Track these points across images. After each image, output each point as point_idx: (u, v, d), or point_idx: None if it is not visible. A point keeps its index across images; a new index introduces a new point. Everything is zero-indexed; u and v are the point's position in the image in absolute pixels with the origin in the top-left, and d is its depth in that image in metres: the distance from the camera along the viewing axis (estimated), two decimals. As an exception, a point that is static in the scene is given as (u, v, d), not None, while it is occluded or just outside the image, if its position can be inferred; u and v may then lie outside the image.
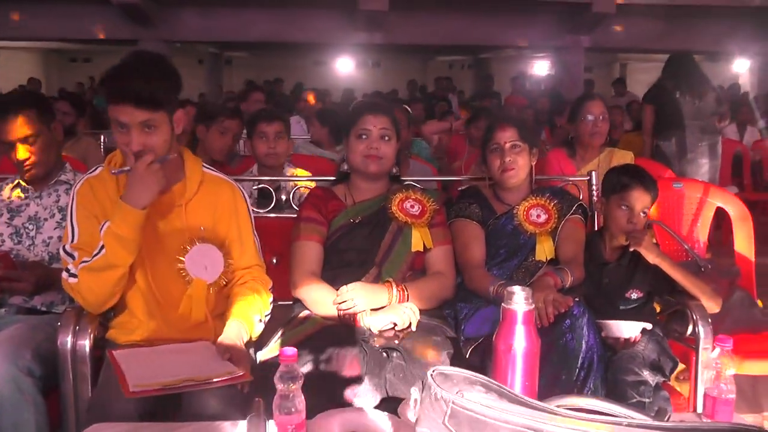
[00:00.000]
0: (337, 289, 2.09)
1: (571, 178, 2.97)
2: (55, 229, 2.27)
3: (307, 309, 2.17)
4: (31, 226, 2.27)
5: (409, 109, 4.72)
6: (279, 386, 1.32)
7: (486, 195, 2.55)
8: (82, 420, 1.84)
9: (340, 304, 2.05)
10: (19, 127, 2.21)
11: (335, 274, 2.21)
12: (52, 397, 1.93)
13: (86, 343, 1.86)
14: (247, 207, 2.13)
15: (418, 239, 2.26)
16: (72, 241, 1.89)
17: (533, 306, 1.48)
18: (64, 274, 1.86)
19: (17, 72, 17.37)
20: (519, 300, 1.44)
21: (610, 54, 16.57)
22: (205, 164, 2.12)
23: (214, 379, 1.63)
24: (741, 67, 15.17)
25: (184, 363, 1.75)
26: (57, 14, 9.74)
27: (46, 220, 2.29)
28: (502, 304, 1.48)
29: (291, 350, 1.35)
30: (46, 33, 10.45)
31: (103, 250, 1.82)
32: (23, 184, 2.34)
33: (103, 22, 9.74)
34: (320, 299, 2.11)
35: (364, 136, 2.27)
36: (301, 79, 12.95)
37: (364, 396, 1.81)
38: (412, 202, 2.30)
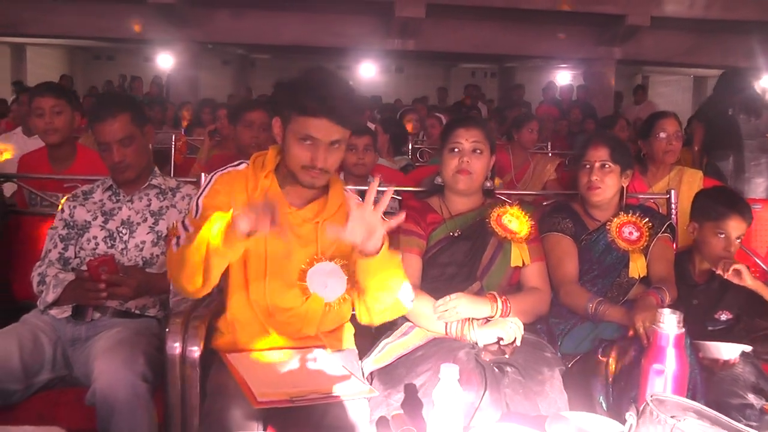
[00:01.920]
0: None
1: (651, 196, 2.95)
2: (147, 233, 2.26)
3: (410, 321, 2.15)
4: (124, 230, 2.26)
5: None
6: None
7: (577, 210, 2.54)
8: (188, 424, 1.85)
9: (442, 311, 2.04)
10: (116, 129, 2.22)
11: (436, 287, 2.20)
12: (155, 400, 1.92)
13: (196, 350, 1.85)
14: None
15: (517, 254, 2.26)
16: (194, 216, 1.84)
17: (683, 329, 1.45)
18: (173, 243, 1.80)
19: (43, 68, 17.53)
20: (671, 323, 1.43)
21: (633, 66, 16.51)
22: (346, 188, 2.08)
23: (341, 394, 1.61)
24: None
25: (306, 373, 1.74)
26: (91, 12, 9.77)
27: (138, 224, 2.28)
28: (653, 326, 1.47)
29: None
30: (81, 30, 10.46)
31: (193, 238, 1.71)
32: (115, 187, 2.33)
33: (137, 21, 9.75)
34: (425, 312, 2.10)
35: (456, 150, 2.26)
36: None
37: (486, 410, 1.79)
38: (510, 217, 2.29)
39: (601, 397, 2.05)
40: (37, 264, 2.28)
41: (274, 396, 1.57)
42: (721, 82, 4.85)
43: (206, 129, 4.30)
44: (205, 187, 1.89)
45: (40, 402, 1.95)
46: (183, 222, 1.82)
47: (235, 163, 1.98)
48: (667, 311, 1.44)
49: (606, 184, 2.42)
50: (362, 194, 1.86)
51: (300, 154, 1.82)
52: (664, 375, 1.42)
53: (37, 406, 1.93)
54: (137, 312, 2.18)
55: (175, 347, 1.85)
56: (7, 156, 4.73)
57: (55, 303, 2.14)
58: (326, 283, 1.91)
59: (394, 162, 4.32)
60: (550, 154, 5.55)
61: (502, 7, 9.16)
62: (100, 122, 2.22)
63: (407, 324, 2.14)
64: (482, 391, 1.83)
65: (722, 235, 2.42)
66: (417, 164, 4.85)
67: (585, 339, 2.28)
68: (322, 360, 1.84)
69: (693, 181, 3.29)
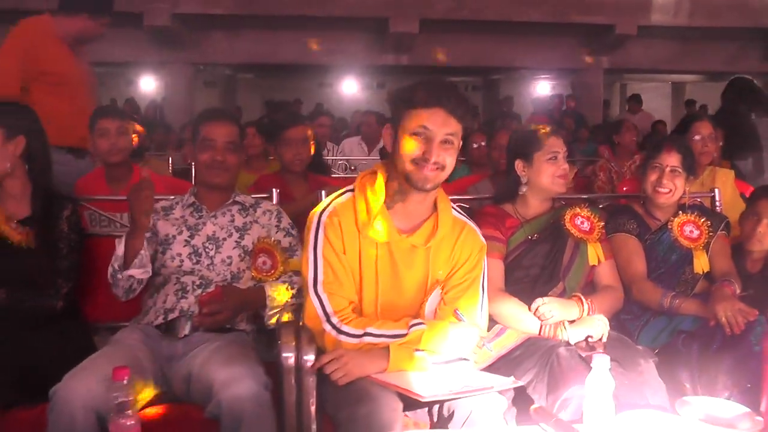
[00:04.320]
0: (527, 304, 2.20)
1: (698, 195, 3.05)
2: (234, 248, 2.29)
3: (498, 323, 2.22)
4: (210, 246, 2.28)
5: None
6: None
7: (639, 212, 2.65)
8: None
9: (540, 315, 2.15)
10: (226, 132, 2.32)
11: (521, 288, 2.30)
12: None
13: (311, 359, 1.88)
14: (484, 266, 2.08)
15: (593, 253, 2.37)
16: (316, 277, 1.91)
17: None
18: (327, 326, 1.87)
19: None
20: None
21: (613, 74, 16.84)
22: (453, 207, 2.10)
23: (492, 386, 1.74)
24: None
25: (450, 373, 1.84)
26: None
27: (224, 239, 2.30)
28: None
29: None
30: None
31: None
32: (198, 204, 2.36)
33: (131, 45, 9.74)
34: (514, 314, 2.20)
35: (554, 158, 2.36)
36: (306, 100, 13.08)
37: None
38: (582, 218, 2.39)
39: (688, 386, 2.15)
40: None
41: (436, 391, 1.68)
42: (730, 89, 4.99)
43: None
44: (316, 237, 1.93)
45: (148, 419, 1.95)
46: (316, 291, 1.90)
47: (337, 193, 2.02)
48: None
49: (675, 187, 2.55)
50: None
51: (412, 148, 1.84)
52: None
53: (147, 423, 1.94)
54: (228, 326, 2.20)
55: (290, 357, 1.89)
56: None
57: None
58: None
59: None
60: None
61: (494, 20, 9.33)
62: (212, 120, 2.33)
63: (498, 325, 2.22)
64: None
65: None
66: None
67: (662, 332, 2.39)
68: (452, 364, 1.93)
69: (726, 180, 3.45)
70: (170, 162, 5.11)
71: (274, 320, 2.20)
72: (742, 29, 10.27)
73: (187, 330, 2.16)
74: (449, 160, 1.88)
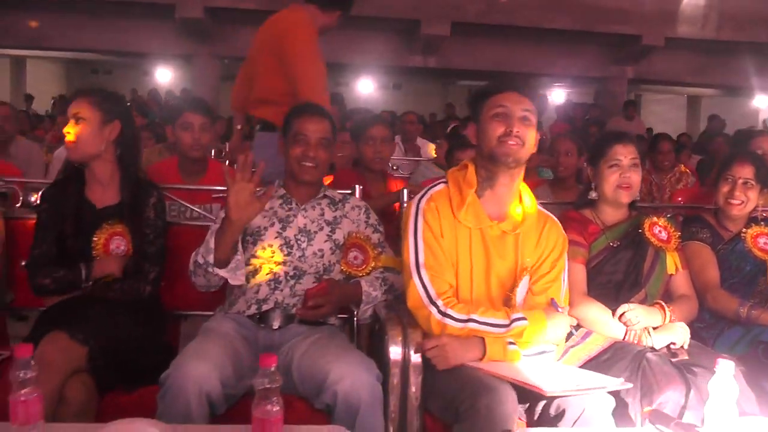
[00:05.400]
0: (610, 309, 2.24)
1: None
2: (325, 241, 2.32)
3: (582, 327, 2.26)
4: (302, 238, 2.30)
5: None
6: None
7: (710, 222, 2.68)
8: (408, 425, 1.92)
9: (626, 321, 2.20)
10: (321, 128, 2.34)
11: (604, 294, 2.33)
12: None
13: (417, 358, 1.92)
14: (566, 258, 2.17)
15: (671, 262, 2.41)
16: (417, 260, 1.98)
17: None
18: (433, 309, 1.94)
19: (42, 81, 17.41)
20: None
21: (629, 85, 16.87)
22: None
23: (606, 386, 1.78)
24: (762, 103, 15.56)
25: (562, 371, 1.90)
26: (115, 28, 9.80)
27: (315, 232, 2.32)
28: None
29: None
30: (102, 45, 10.48)
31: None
32: (288, 196, 2.39)
33: (159, 36, 9.78)
34: (600, 318, 2.24)
35: (616, 166, 2.38)
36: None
37: (695, 409, 1.89)
38: (659, 227, 2.43)
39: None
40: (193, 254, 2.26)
41: (559, 386, 1.72)
42: None
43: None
44: (416, 219, 2.03)
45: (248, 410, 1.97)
46: (419, 272, 1.98)
47: (432, 184, 2.13)
48: None
49: (747, 199, 2.58)
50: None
51: (495, 127, 1.99)
52: None
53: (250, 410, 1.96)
54: (320, 321, 2.23)
55: (397, 352, 1.92)
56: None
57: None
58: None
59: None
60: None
61: (524, 26, 9.37)
62: (306, 115, 2.35)
63: (582, 329, 2.25)
64: (685, 390, 1.94)
65: None
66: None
67: (739, 342, 2.43)
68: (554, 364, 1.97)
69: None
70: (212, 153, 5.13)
71: (367, 315, 2.24)
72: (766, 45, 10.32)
73: (280, 321, 2.19)
74: (529, 136, 2.01)
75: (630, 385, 1.91)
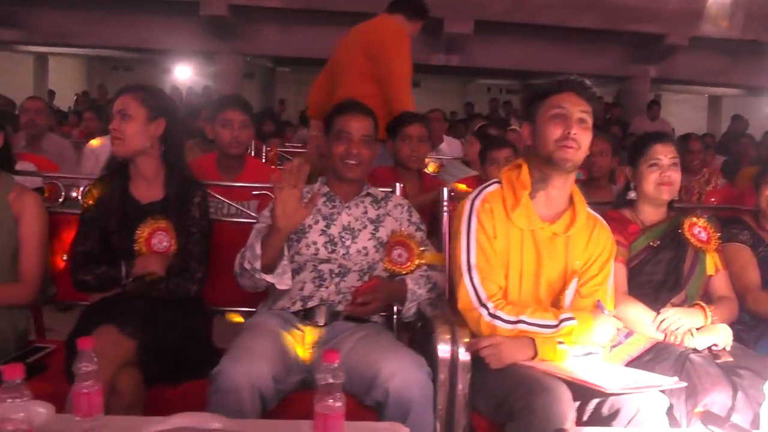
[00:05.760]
0: (654, 310, 2.23)
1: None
2: (369, 239, 2.32)
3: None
4: (347, 236, 2.31)
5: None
6: None
7: (750, 224, 2.66)
8: (454, 424, 1.93)
9: (667, 324, 2.18)
10: (364, 126, 2.34)
11: (644, 294, 2.32)
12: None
13: (467, 357, 1.93)
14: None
15: (711, 263, 2.41)
16: (469, 261, 2.00)
17: None
18: (483, 311, 1.95)
19: (64, 78, 17.58)
20: None
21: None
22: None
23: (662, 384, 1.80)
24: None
25: (606, 371, 1.88)
26: (139, 25, 9.88)
27: (359, 230, 2.33)
28: None
29: None
30: (126, 42, 10.57)
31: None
32: (332, 193, 2.39)
33: (182, 34, 9.84)
34: (641, 319, 2.24)
35: (656, 166, 2.38)
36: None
37: (742, 412, 1.88)
38: (699, 228, 2.42)
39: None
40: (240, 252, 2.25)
41: (619, 384, 1.73)
42: None
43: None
44: (469, 220, 2.04)
45: (301, 403, 1.98)
46: (471, 275, 1.99)
47: (486, 184, 2.14)
48: None
49: None
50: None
51: (553, 130, 1.98)
52: None
53: (299, 406, 1.97)
54: (365, 318, 2.24)
55: (446, 350, 1.93)
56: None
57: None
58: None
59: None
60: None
61: (548, 24, 9.33)
62: (349, 112, 2.35)
63: (624, 329, 2.24)
64: (732, 392, 1.93)
65: None
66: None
67: (781, 345, 2.39)
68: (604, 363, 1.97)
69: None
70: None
71: (411, 313, 2.24)
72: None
73: (325, 318, 2.19)
74: (585, 140, 2.00)
75: (685, 384, 1.90)
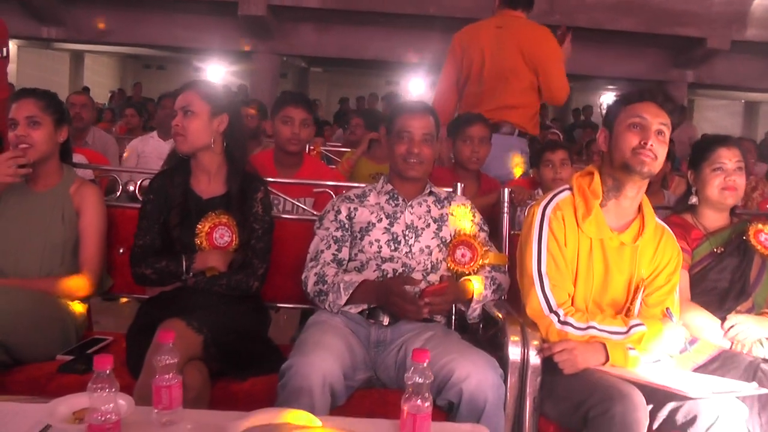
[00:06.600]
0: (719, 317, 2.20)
1: None
2: (432, 238, 2.30)
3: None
4: (410, 234, 2.29)
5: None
6: None
7: None
8: (520, 427, 1.90)
9: (734, 334, 2.16)
10: (425, 124, 2.32)
11: (709, 301, 2.28)
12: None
13: (537, 356, 1.90)
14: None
15: None
16: (539, 268, 2.00)
17: None
18: (553, 317, 1.96)
19: (98, 75, 17.85)
20: None
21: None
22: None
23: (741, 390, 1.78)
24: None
25: (683, 376, 1.87)
26: (177, 24, 9.98)
27: (423, 229, 2.31)
28: None
29: None
30: (163, 41, 10.68)
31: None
32: (395, 192, 2.37)
33: (221, 33, 9.92)
34: (706, 326, 2.21)
35: (720, 170, 2.33)
36: (371, 97, 13.19)
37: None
38: (765, 235, 2.37)
39: None
40: (310, 264, 2.28)
41: (701, 390, 1.71)
42: None
43: (366, 137, 4.32)
44: (541, 227, 2.04)
45: (367, 400, 1.98)
46: (543, 286, 2.00)
47: (557, 191, 2.13)
48: None
49: None
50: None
51: (630, 138, 1.97)
52: None
53: (366, 403, 1.96)
54: (428, 318, 2.21)
55: (516, 353, 1.90)
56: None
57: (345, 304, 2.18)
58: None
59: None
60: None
61: (587, 27, 9.22)
62: (410, 112, 2.33)
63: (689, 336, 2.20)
64: None
65: None
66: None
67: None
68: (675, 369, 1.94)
69: None
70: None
71: (476, 314, 2.22)
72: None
73: (390, 317, 2.17)
74: (662, 152, 1.99)
75: (766, 390, 1.85)
